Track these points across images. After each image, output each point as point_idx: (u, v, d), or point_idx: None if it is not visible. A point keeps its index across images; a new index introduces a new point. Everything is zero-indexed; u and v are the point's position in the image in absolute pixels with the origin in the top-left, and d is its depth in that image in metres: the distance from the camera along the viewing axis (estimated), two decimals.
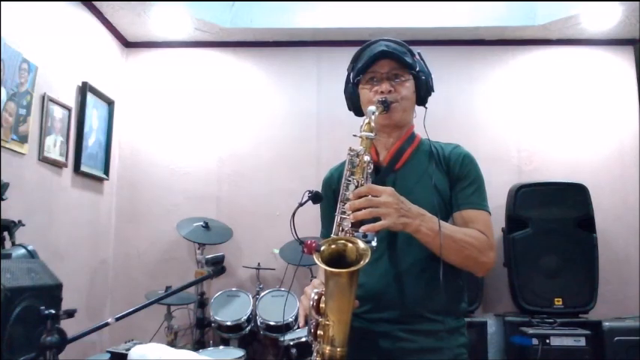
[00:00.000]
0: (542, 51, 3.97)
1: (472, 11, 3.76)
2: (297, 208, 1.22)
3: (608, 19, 3.62)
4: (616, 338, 3.04)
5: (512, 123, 3.91)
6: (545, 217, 3.38)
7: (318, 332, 1.15)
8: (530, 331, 3.07)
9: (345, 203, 1.20)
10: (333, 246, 1.14)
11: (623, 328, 3.08)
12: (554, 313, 3.21)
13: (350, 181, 1.24)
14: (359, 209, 1.15)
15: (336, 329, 1.12)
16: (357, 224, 1.15)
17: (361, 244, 1.11)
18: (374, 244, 1.13)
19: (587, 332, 3.02)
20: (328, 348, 1.13)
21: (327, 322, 1.13)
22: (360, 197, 1.16)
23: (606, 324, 3.11)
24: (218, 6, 3.74)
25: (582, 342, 2.99)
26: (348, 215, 1.17)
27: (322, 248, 1.13)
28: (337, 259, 1.12)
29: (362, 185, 1.21)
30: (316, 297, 1.16)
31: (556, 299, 3.27)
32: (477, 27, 3.79)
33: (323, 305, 1.14)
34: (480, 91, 3.96)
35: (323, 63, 4.01)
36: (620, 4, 3.43)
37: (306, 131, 3.95)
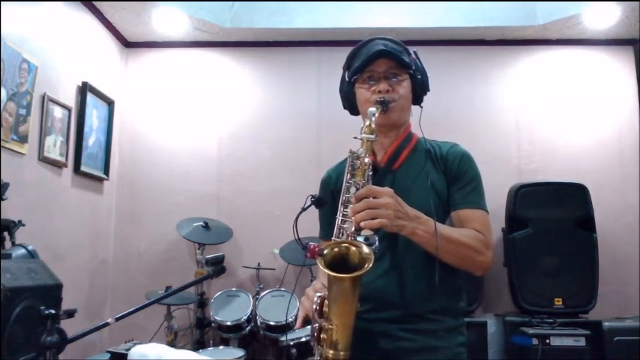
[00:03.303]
0: (542, 51, 3.96)
1: (472, 11, 3.76)
2: (300, 212, 1.21)
3: (608, 19, 3.62)
4: (616, 338, 3.05)
5: (512, 123, 3.91)
6: (545, 217, 3.37)
7: (321, 336, 1.14)
8: (530, 331, 3.06)
9: (347, 206, 1.20)
10: (335, 249, 1.13)
11: (623, 328, 3.09)
12: (554, 313, 3.21)
13: (351, 183, 1.23)
14: (359, 212, 1.14)
15: (340, 333, 1.12)
16: (359, 228, 1.14)
17: (365, 249, 1.10)
18: (376, 244, 1.12)
19: (587, 332, 3.02)
20: (331, 352, 1.12)
21: (331, 326, 1.12)
22: (361, 199, 1.15)
23: (606, 324, 3.11)
24: (218, 6, 3.74)
25: (582, 342, 2.98)
26: (350, 218, 1.17)
27: (325, 252, 1.12)
28: (340, 263, 1.11)
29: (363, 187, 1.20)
30: (319, 301, 1.15)
31: (556, 299, 3.27)
32: (476, 27, 3.79)
33: (326, 309, 1.14)
34: (479, 91, 3.96)
35: (323, 63, 4.01)
36: (620, 4, 3.43)
37: (306, 131, 3.95)
